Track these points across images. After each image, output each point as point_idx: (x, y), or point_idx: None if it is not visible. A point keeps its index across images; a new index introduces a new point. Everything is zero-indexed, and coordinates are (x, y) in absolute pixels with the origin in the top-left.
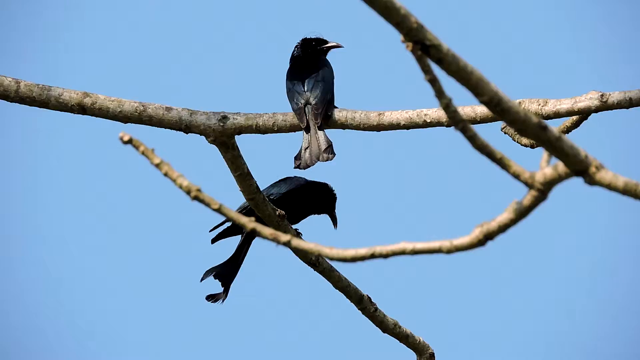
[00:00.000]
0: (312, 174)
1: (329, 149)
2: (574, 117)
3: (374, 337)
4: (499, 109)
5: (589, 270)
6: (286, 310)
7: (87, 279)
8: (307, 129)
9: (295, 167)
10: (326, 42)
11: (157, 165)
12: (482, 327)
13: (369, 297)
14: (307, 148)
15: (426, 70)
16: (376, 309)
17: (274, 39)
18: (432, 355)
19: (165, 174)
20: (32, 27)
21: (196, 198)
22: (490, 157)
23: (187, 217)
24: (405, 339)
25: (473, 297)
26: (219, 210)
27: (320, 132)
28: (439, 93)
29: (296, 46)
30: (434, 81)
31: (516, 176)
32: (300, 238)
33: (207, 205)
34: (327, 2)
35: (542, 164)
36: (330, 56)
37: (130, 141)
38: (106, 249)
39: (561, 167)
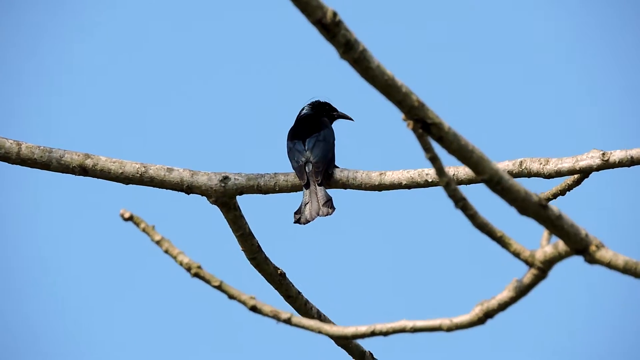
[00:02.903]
0: (312, 231)
1: (329, 203)
2: (575, 175)
3: None
4: (499, 188)
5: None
6: None
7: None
8: (307, 186)
9: (295, 222)
10: (336, 110)
11: (158, 243)
12: None
13: (371, 353)
14: (307, 203)
15: (427, 148)
16: None
17: (274, 100)
18: None
19: (166, 251)
20: (31, 86)
21: (197, 275)
22: (490, 236)
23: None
24: None
25: (474, 350)
26: (219, 288)
27: (319, 188)
28: (440, 171)
29: (308, 105)
30: (434, 159)
31: (516, 254)
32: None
33: (208, 282)
34: (328, 63)
35: (542, 242)
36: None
37: (131, 218)
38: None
39: (561, 245)
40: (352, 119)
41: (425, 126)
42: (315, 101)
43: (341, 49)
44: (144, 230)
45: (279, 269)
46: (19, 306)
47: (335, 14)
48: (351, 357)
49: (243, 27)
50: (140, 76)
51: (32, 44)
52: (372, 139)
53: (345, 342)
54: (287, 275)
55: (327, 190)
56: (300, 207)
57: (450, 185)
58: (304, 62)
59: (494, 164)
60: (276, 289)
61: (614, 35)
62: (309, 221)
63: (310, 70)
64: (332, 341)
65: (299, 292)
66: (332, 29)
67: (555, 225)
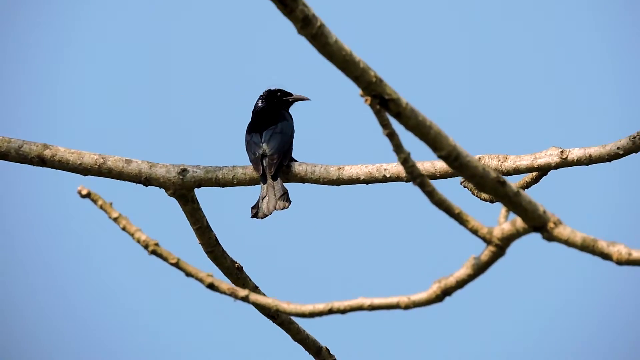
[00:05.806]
0: (269, 224)
1: (285, 196)
2: (534, 173)
3: None
4: (457, 164)
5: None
6: None
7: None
8: (264, 179)
9: (252, 217)
10: (291, 94)
11: (115, 220)
12: None
13: (328, 349)
14: (264, 197)
15: (385, 124)
16: None
17: (232, 92)
18: None
19: (124, 228)
20: None
21: (154, 252)
22: (448, 212)
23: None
24: None
25: (433, 347)
26: (176, 265)
27: (276, 182)
28: (397, 147)
29: (260, 97)
30: (392, 135)
31: (474, 231)
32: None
33: (165, 259)
34: (286, 53)
35: (500, 219)
36: (293, 108)
37: (88, 195)
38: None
39: (519, 222)
40: (308, 99)
41: (383, 102)
42: (267, 91)
43: (299, 24)
44: (101, 207)
45: (236, 262)
46: None
47: None
48: (308, 353)
49: (197, 18)
50: (101, 68)
51: None
52: (332, 130)
53: (302, 337)
54: (244, 269)
55: (283, 183)
56: (257, 202)
57: (407, 161)
58: (261, 51)
59: (451, 140)
60: (233, 282)
61: (577, 33)
62: (267, 215)
63: (269, 59)
64: (290, 337)
65: (256, 286)
66: (289, 4)
67: (513, 201)
